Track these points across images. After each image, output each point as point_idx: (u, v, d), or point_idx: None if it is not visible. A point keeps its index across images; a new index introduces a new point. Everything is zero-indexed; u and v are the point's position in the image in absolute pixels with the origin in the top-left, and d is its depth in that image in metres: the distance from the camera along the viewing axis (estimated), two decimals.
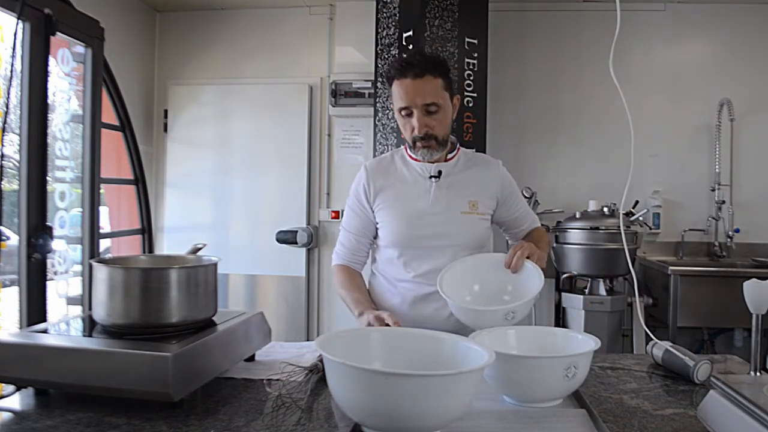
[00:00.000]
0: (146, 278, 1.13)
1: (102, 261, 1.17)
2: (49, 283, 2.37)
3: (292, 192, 3.63)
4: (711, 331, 3.32)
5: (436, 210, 1.61)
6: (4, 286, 2.45)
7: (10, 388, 1.11)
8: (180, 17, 3.79)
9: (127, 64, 3.50)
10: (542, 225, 1.85)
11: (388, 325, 1.36)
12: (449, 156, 1.67)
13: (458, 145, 1.71)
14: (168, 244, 3.71)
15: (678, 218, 3.48)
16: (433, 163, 1.64)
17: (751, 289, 1.06)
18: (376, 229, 1.69)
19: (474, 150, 1.80)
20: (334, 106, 3.49)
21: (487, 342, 1.11)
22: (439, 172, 1.63)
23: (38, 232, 2.26)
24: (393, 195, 1.64)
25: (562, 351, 1.17)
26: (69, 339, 1.14)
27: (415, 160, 1.66)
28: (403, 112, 1.57)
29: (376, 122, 3.13)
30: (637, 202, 3.30)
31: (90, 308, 1.21)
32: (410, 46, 2.96)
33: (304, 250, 3.58)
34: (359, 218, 1.68)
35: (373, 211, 1.67)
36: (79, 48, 2.63)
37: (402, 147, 1.73)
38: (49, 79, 2.32)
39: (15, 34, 2.05)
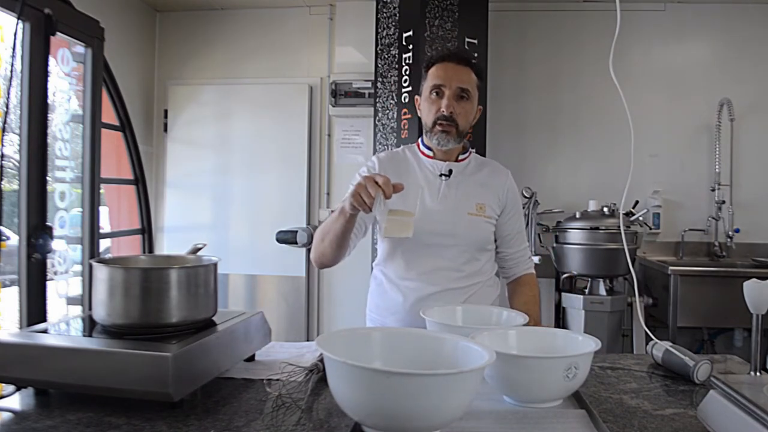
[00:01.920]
0: (146, 278, 1.12)
1: (102, 261, 1.17)
2: (49, 283, 2.37)
3: (292, 192, 3.63)
4: (711, 331, 3.33)
5: (444, 208, 1.61)
6: (4, 286, 2.45)
7: (10, 388, 1.10)
8: (180, 17, 3.79)
9: (127, 64, 3.50)
10: (541, 225, 1.85)
11: (377, 183, 1.29)
12: (461, 157, 1.68)
13: (470, 149, 1.72)
14: (168, 244, 3.71)
15: (678, 218, 3.48)
16: (444, 161, 1.65)
17: (751, 289, 1.06)
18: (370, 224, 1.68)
19: (474, 150, 1.80)
20: (334, 106, 3.49)
21: (488, 342, 1.11)
22: (450, 171, 1.64)
23: (38, 232, 2.26)
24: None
25: (562, 352, 1.17)
26: (69, 339, 1.14)
27: (428, 156, 1.67)
28: (434, 92, 1.60)
29: (376, 122, 3.12)
30: (637, 202, 3.30)
31: (90, 308, 1.21)
32: (410, 46, 2.95)
33: (304, 250, 3.57)
34: None
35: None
36: (79, 48, 2.63)
37: (414, 144, 1.74)
38: (49, 79, 2.32)
39: (15, 34, 2.05)
